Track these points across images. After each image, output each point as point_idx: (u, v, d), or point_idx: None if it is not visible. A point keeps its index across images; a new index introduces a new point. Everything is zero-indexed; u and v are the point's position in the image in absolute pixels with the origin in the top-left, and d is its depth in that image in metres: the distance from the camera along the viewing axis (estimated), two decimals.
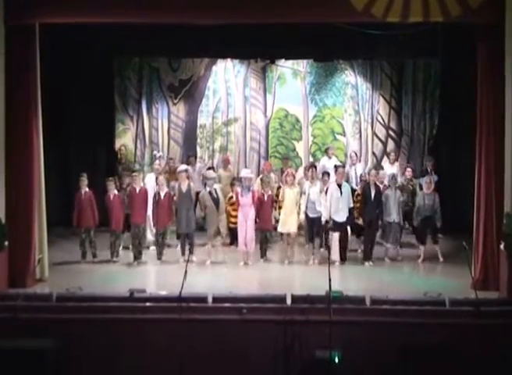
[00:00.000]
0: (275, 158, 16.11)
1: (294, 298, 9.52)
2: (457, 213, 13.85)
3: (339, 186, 12.75)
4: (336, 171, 13.19)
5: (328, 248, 10.54)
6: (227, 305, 9.44)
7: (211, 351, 9.09)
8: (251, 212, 12.75)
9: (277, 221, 13.26)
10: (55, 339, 8.83)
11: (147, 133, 16.20)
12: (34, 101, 11.23)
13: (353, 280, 11.96)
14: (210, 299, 9.54)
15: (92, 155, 15.51)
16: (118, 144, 15.94)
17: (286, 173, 13.37)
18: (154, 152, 15.37)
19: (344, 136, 16.21)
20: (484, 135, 11.02)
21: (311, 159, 15.98)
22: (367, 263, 12.69)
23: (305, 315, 9.19)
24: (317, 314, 9.11)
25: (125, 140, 16.06)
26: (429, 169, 14.39)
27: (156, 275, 12.41)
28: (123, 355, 9.07)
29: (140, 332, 9.13)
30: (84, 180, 12.85)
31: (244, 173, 13.38)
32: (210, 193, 12.84)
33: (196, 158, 15.44)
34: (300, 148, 16.24)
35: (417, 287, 10.77)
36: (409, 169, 14.10)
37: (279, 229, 12.99)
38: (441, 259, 12.87)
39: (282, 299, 9.52)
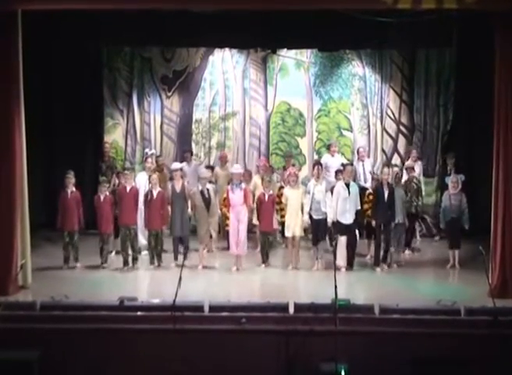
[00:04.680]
0: (277, 155, 16.12)
1: (297, 307, 9.55)
2: (474, 216, 13.83)
3: (347, 185, 12.79)
4: (343, 169, 13.22)
5: (334, 253, 10.56)
6: (225, 314, 9.47)
7: (207, 365, 9.12)
8: (243, 212, 12.77)
9: (280, 224, 13.26)
10: (39, 351, 8.85)
11: (138, 128, 16.19)
12: (16, 94, 11.21)
13: (361, 288, 11.97)
14: (206, 308, 9.57)
15: (79, 152, 15.48)
16: (107, 139, 15.92)
17: (289, 172, 13.31)
18: (146, 150, 15.32)
19: (351, 132, 16.19)
20: (502, 131, 11.03)
21: (316, 157, 15.99)
22: (378, 269, 12.69)
23: (309, 325, 9.22)
24: (322, 324, 9.15)
25: (114, 136, 16.05)
26: (449, 168, 14.40)
27: (148, 282, 12.42)
28: (113, 368, 9.11)
29: (131, 343, 9.16)
30: (71, 178, 12.85)
31: (234, 168, 13.37)
32: (202, 192, 12.86)
33: (192, 154, 15.41)
34: (304, 144, 16.23)
35: (430, 295, 10.77)
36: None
37: (285, 233, 12.97)
38: (457, 266, 12.90)
39: (285, 308, 9.55)
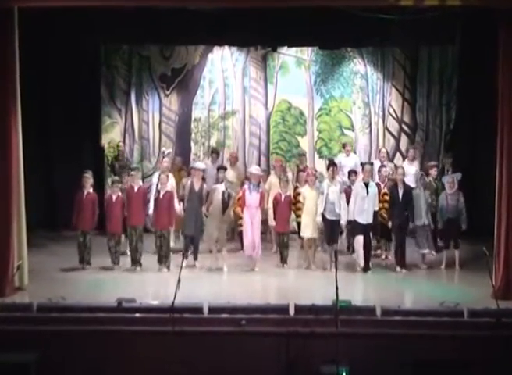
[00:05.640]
0: (277, 154, 16.11)
1: (298, 309, 9.54)
2: (477, 215, 13.85)
3: (366, 185, 12.78)
4: (362, 169, 13.22)
5: (335, 253, 10.53)
6: (224, 316, 9.46)
7: (206, 367, 9.10)
8: (258, 214, 12.79)
9: (298, 224, 13.23)
10: (36, 353, 8.85)
11: (136, 127, 16.19)
12: (13, 92, 11.21)
13: (363, 289, 11.98)
14: (206, 309, 9.56)
15: (77, 151, 15.50)
16: (105, 139, 15.94)
17: (307, 172, 13.31)
18: (163, 149, 15.33)
19: (353, 131, 16.21)
20: (505, 130, 11.03)
21: (317, 156, 16.00)
22: (402, 270, 12.70)
23: (310, 327, 9.20)
24: (323, 326, 9.13)
25: (112, 135, 16.05)
26: (447, 168, 14.40)
27: (147, 283, 12.39)
28: (111, 370, 9.10)
29: (130, 345, 9.14)
30: (88, 178, 12.80)
31: (253, 169, 13.36)
32: (223, 193, 12.82)
33: (218, 154, 15.35)
34: (305, 143, 16.23)
35: (433, 297, 10.79)
36: (435, 168, 14.09)
37: (301, 233, 12.98)
38: (457, 267, 12.92)
39: (285, 309, 9.54)
